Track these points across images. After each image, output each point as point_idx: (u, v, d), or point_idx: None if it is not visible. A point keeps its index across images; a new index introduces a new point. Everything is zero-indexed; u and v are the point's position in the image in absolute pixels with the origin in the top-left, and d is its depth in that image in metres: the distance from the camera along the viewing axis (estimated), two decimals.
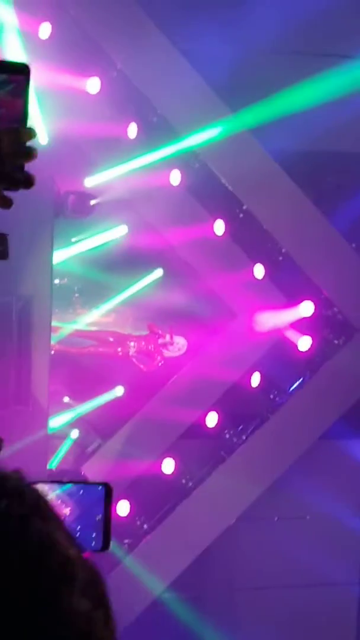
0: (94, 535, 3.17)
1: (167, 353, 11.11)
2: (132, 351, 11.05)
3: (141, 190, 10.63)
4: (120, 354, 11.08)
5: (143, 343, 11.07)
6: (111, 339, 11.08)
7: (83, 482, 3.36)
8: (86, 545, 3.17)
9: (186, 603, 11.59)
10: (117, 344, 11.07)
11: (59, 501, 3.16)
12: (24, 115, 2.57)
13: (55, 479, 3.25)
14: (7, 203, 2.62)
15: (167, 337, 11.06)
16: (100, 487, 3.22)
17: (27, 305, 9.75)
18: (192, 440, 11.43)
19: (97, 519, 3.20)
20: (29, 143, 2.59)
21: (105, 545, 3.21)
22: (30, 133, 2.59)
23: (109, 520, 3.20)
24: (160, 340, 11.06)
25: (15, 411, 9.51)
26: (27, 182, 2.60)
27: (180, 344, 11.18)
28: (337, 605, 12.26)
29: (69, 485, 3.23)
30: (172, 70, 10.59)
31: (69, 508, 3.20)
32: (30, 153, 2.61)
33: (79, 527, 3.18)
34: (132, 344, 11.05)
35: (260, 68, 10.83)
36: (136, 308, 11.25)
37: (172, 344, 11.08)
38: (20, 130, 2.55)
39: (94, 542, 3.17)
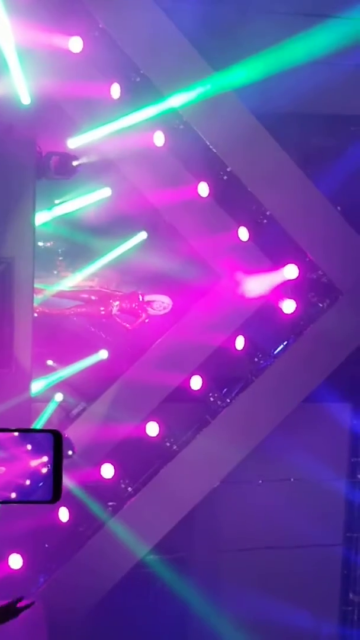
0: (43, 485, 2.99)
1: (152, 311, 11.01)
2: (114, 310, 10.94)
3: (125, 152, 10.52)
4: (103, 313, 10.97)
5: (127, 302, 10.97)
6: (94, 298, 10.97)
7: (30, 430, 3.16)
8: (35, 496, 3.02)
9: (171, 565, 11.65)
10: (100, 302, 10.96)
11: (6, 450, 3.02)
12: None
13: (1, 427, 3.02)
14: None
15: (140, 297, 10.96)
16: (49, 435, 3.02)
17: (9, 268, 9.67)
18: (176, 403, 11.43)
19: (47, 468, 3.02)
20: None
21: (55, 497, 3.01)
22: None
23: (59, 469, 2.99)
24: (147, 298, 10.95)
25: None
26: None
27: (165, 302, 11.09)
28: (321, 566, 12.36)
29: (15, 434, 3.05)
30: (155, 29, 10.43)
31: (15, 457, 3.05)
32: None
33: (26, 476, 3.03)
34: (115, 302, 10.95)
35: (245, 27, 10.70)
36: (120, 271, 11.17)
37: (149, 304, 10.98)
38: None
39: (43, 493, 2.99)
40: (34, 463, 3.11)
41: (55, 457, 3.01)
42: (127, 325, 10.98)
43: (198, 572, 11.92)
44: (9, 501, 3.09)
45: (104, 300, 10.95)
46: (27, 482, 3.09)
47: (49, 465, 3.02)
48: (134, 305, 10.93)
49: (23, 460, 3.14)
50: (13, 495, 3.09)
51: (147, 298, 11.01)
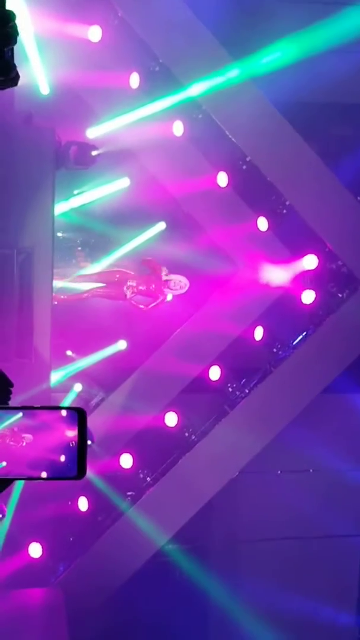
0: (68, 462, 3.06)
1: (170, 291, 10.85)
2: (128, 293, 10.78)
3: (144, 141, 10.50)
4: (120, 295, 10.81)
5: (143, 284, 10.79)
6: (117, 277, 10.82)
7: (54, 407, 3.24)
8: (61, 473, 3.10)
9: (189, 554, 11.67)
10: (116, 284, 10.81)
11: (31, 427, 3.09)
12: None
13: (26, 405, 3.12)
14: None
15: (164, 270, 10.77)
16: (73, 413, 3.10)
17: (28, 258, 9.67)
18: (195, 393, 11.42)
19: (71, 445, 3.10)
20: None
21: (80, 473, 3.08)
22: (8, 16, 2.37)
23: (83, 446, 3.08)
24: (164, 277, 10.76)
25: (17, 364, 9.47)
26: (6, 69, 2.40)
27: (182, 282, 10.91)
28: (340, 556, 12.35)
29: (40, 411, 3.12)
30: (174, 19, 10.39)
31: (40, 435, 3.11)
32: (9, 36, 2.38)
33: (52, 453, 3.08)
34: (132, 282, 10.76)
35: (264, 16, 10.65)
36: (139, 261, 11.14)
37: (166, 283, 10.81)
38: None
39: (68, 470, 3.06)
40: (59, 441, 3.18)
41: (80, 434, 3.09)
42: (142, 306, 10.80)
43: (216, 562, 11.94)
44: (34, 478, 3.17)
45: (119, 282, 10.82)
46: (52, 459, 3.17)
47: (73, 443, 3.10)
48: (151, 287, 10.80)
49: (48, 438, 3.22)
50: (38, 472, 3.16)
51: (165, 277, 10.84)
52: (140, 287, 10.70)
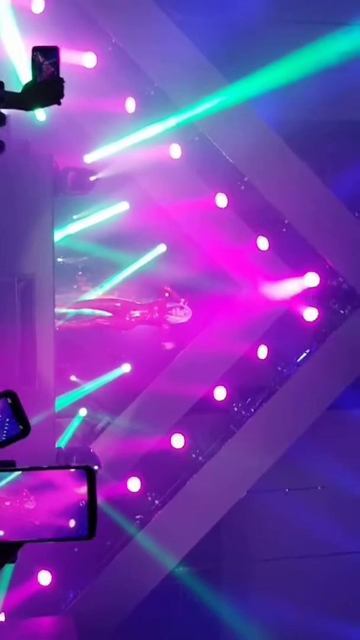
0: (77, 522, 2.93)
1: (173, 318, 10.89)
2: (133, 319, 10.84)
3: (141, 165, 10.54)
4: (122, 325, 10.87)
5: (146, 312, 10.88)
6: (118, 305, 10.90)
7: (62, 467, 3.12)
8: (69, 533, 2.96)
9: (200, 576, 11.62)
10: (122, 312, 10.87)
11: (35, 485, 2.97)
12: None
13: (33, 466, 2.99)
14: None
15: (182, 301, 10.87)
16: (81, 472, 2.97)
17: (29, 285, 9.69)
18: (201, 414, 11.41)
19: (81, 504, 2.98)
20: None
21: (90, 533, 2.96)
22: None
23: (93, 505, 2.95)
24: (168, 304, 10.85)
25: (21, 391, 9.43)
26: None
27: (185, 309, 10.97)
28: (351, 573, 12.29)
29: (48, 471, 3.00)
30: (168, 43, 10.47)
31: (46, 494, 2.99)
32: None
33: (59, 513, 2.95)
34: (136, 312, 10.85)
35: (256, 38, 10.73)
36: (140, 284, 11.18)
37: (182, 307, 10.87)
38: None
39: (78, 529, 2.93)
40: (66, 500, 3.07)
41: (89, 493, 2.99)
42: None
43: (227, 583, 11.88)
44: (41, 540, 3.06)
45: (121, 311, 10.89)
46: (60, 519, 3.06)
47: (83, 502, 3.00)
48: (155, 316, 10.87)
49: (54, 498, 3.10)
50: (45, 534, 3.06)
51: (171, 304, 10.91)
52: (144, 317, 10.77)
